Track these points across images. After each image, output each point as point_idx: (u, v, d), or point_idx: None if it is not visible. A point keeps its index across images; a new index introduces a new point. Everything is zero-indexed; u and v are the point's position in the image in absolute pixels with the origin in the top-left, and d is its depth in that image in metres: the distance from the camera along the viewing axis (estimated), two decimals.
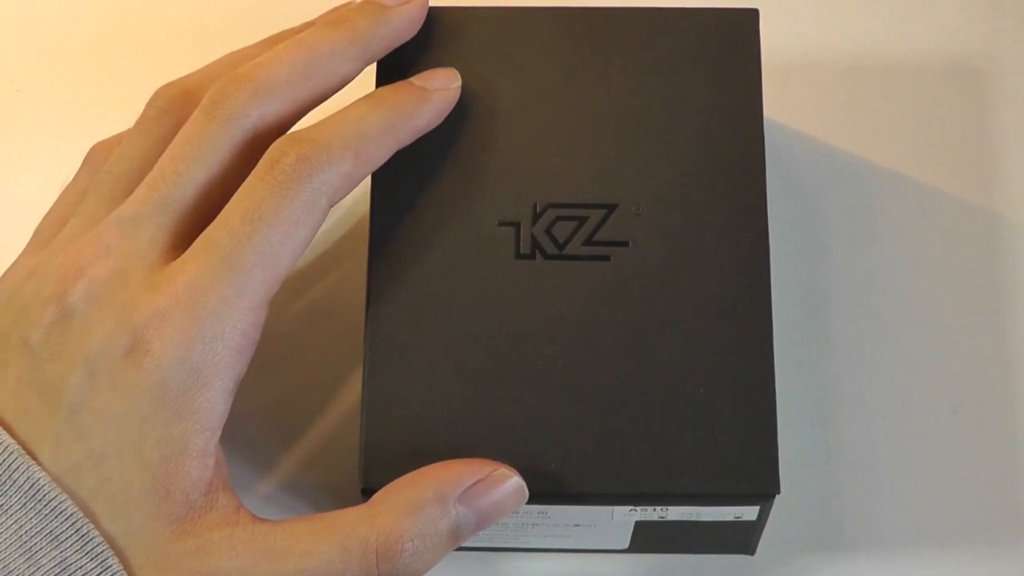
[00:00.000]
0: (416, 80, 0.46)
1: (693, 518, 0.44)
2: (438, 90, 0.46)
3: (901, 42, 0.54)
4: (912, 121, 0.53)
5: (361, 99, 0.45)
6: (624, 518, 0.44)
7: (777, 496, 0.43)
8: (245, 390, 0.43)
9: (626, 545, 0.46)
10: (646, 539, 0.46)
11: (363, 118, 0.44)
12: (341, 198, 0.43)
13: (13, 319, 0.42)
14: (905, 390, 0.50)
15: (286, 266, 0.42)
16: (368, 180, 0.45)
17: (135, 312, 0.41)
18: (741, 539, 0.46)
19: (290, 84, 0.44)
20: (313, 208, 0.42)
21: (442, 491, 0.42)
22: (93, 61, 0.55)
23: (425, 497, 0.42)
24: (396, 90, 0.46)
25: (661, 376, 0.43)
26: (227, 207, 0.43)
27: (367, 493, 0.43)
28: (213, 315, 0.41)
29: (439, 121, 0.46)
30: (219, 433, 0.42)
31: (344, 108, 0.45)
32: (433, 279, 0.45)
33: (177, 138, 0.44)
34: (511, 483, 0.42)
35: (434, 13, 0.47)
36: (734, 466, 0.43)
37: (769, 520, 0.44)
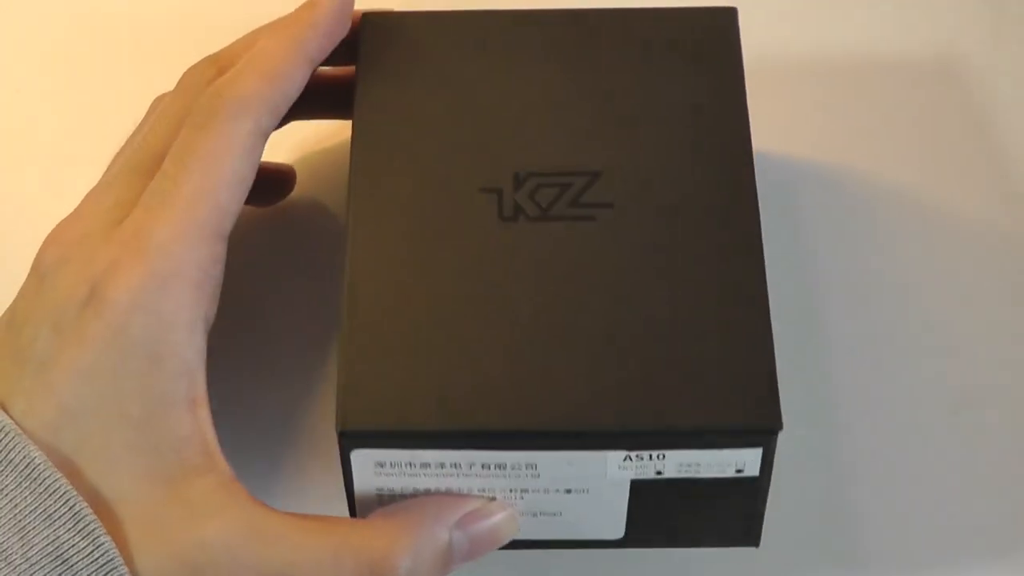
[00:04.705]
0: None
1: (692, 474, 0.43)
2: None
3: (893, 43, 0.55)
4: (908, 123, 0.53)
5: None
6: (619, 474, 0.43)
7: (783, 428, 0.42)
8: (248, 387, 0.43)
9: (621, 531, 0.45)
10: (643, 520, 0.44)
11: (263, 46, 0.46)
12: (271, 122, 0.45)
13: (10, 303, 0.44)
14: (905, 390, 0.50)
15: (229, 197, 0.43)
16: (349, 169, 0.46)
17: (91, 265, 0.42)
18: (744, 517, 0.44)
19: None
20: (237, 135, 0.44)
21: (441, 515, 0.42)
22: (93, 61, 0.55)
23: (425, 517, 0.42)
24: (288, 14, 0.47)
25: (655, 320, 0.43)
26: (165, 160, 0.44)
27: (346, 438, 0.42)
28: (162, 254, 0.42)
29: (343, 25, 0.47)
30: (201, 382, 0.42)
31: None
32: (414, 240, 0.44)
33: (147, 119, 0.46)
34: (504, 513, 0.43)
35: (415, 17, 0.48)
36: (732, 402, 0.42)
37: (769, 521, 0.44)
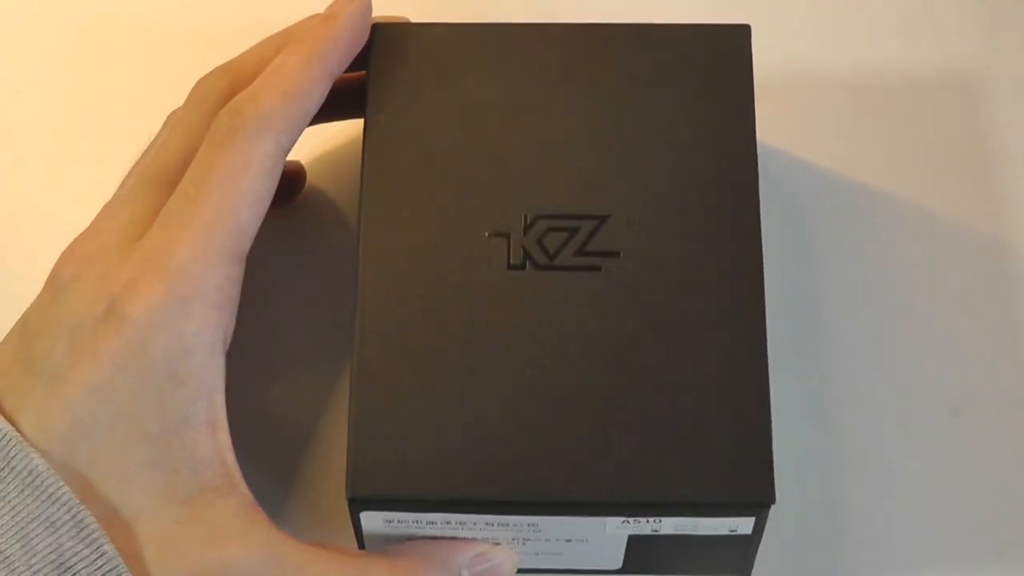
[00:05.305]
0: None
1: (687, 531, 0.44)
2: (345, 4, 0.46)
3: (895, 58, 0.55)
4: (907, 133, 0.53)
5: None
6: (617, 531, 0.44)
7: (776, 502, 0.43)
8: (251, 398, 0.43)
9: (619, 565, 0.46)
10: (640, 558, 0.46)
11: (281, 61, 0.45)
12: (291, 140, 0.44)
13: (24, 313, 0.44)
14: (905, 390, 0.50)
15: (248, 217, 0.43)
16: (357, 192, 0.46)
17: (109, 281, 0.42)
18: (736, 556, 0.46)
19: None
20: (257, 154, 0.43)
21: (452, 556, 0.43)
22: (94, 61, 0.55)
23: (436, 558, 0.43)
24: (303, 23, 0.47)
25: (654, 385, 0.43)
26: (183, 178, 0.44)
27: (355, 503, 0.43)
28: (182, 274, 0.42)
29: (363, 38, 0.46)
30: (221, 404, 0.42)
31: None
32: (423, 289, 0.44)
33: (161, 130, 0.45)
34: (507, 555, 0.44)
35: (426, 29, 0.48)
36: (728, 475, 0.42)
37: (768, 521, 0.44)
